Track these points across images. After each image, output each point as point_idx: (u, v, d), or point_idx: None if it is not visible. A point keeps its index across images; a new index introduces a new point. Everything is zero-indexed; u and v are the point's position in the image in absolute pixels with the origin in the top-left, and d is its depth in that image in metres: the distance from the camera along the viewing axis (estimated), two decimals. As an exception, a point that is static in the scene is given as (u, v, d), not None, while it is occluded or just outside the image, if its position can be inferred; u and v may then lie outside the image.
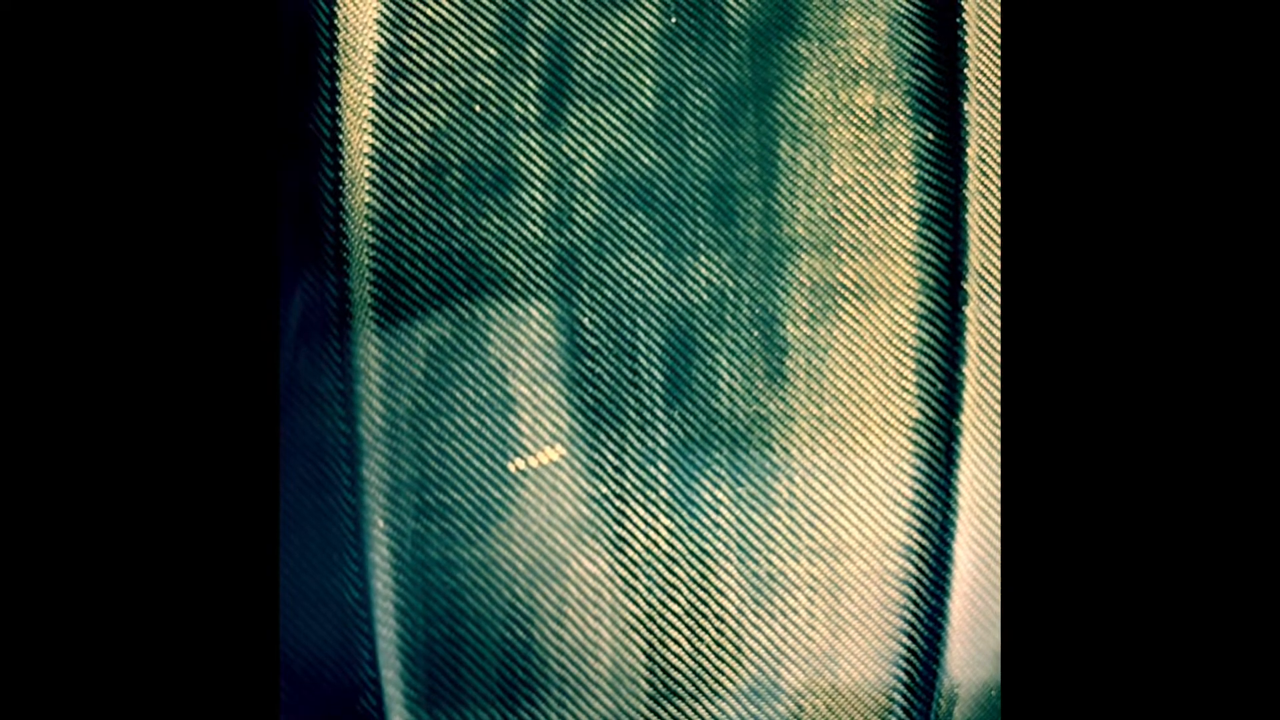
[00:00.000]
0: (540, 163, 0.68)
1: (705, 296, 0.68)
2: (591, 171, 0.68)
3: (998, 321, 0.68)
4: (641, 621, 0.67)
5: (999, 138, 0.69)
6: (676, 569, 0.67)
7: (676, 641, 0.67)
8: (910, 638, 0.68)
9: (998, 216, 0.69)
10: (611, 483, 0.67)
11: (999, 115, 0.69)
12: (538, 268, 0.67)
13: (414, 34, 0.69)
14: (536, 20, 0.69)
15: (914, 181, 0.69)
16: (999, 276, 0.68)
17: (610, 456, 0.67)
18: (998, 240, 0.69)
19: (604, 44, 0.69)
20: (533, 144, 0.68)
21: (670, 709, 0.67)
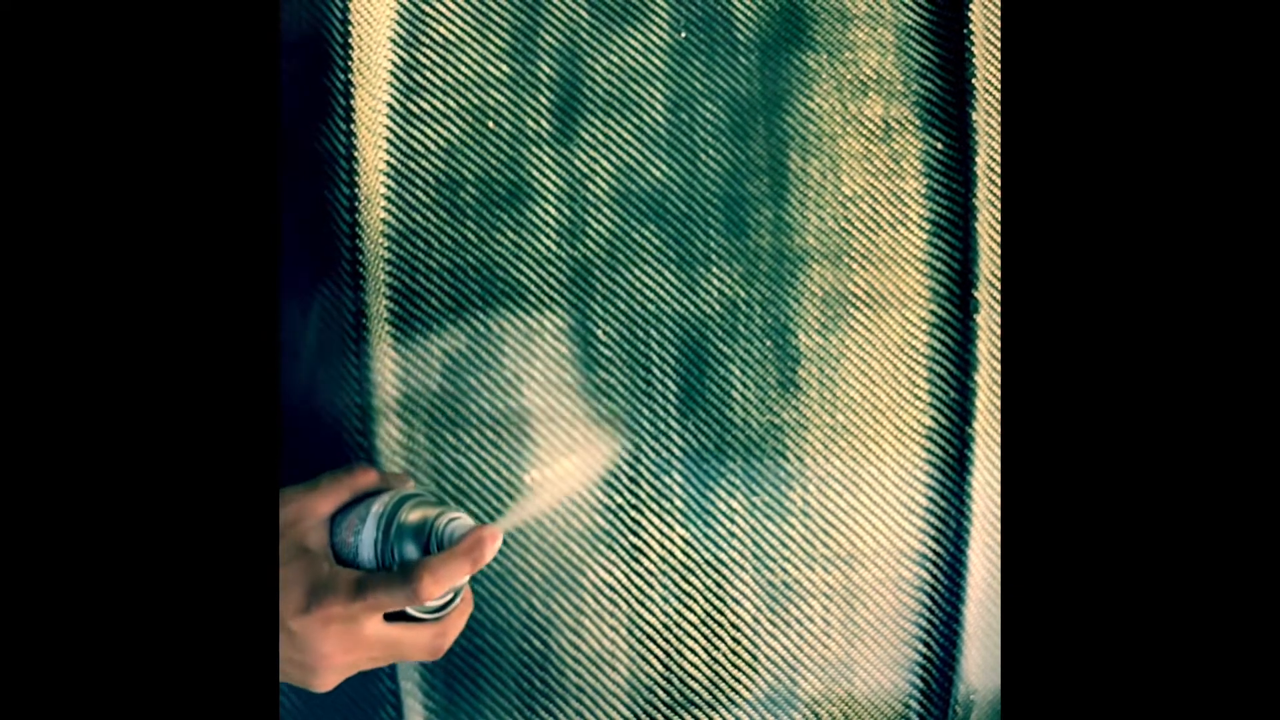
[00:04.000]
0: (553, 177, 0.69)
1: (718, 307, 0.68)
2: (604, 185, 0.69)
3: (1009, 329, 0.69)
4: (658, 631, 0.67)
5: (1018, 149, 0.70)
6: (692, 578, 0.67)
7: (693, 650, 0.67)
8: (926, 645, 0.69)
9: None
10: (627, 493, 0.67)
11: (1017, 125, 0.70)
12: (551, 281, 0.68)
13: (427, 52, 0.70)
14: (548, 36, 0.70)
15: (924, 191, 0.70)
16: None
17: (625, 467, 0.67)
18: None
19: (615, 59, 0.70)
20: (545, 159, 0.69)
21: (687, 718, 0.67)
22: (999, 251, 0.69)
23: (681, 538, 0.67)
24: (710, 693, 0.67)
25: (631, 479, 0.67)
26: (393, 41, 0.70)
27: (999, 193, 0.69)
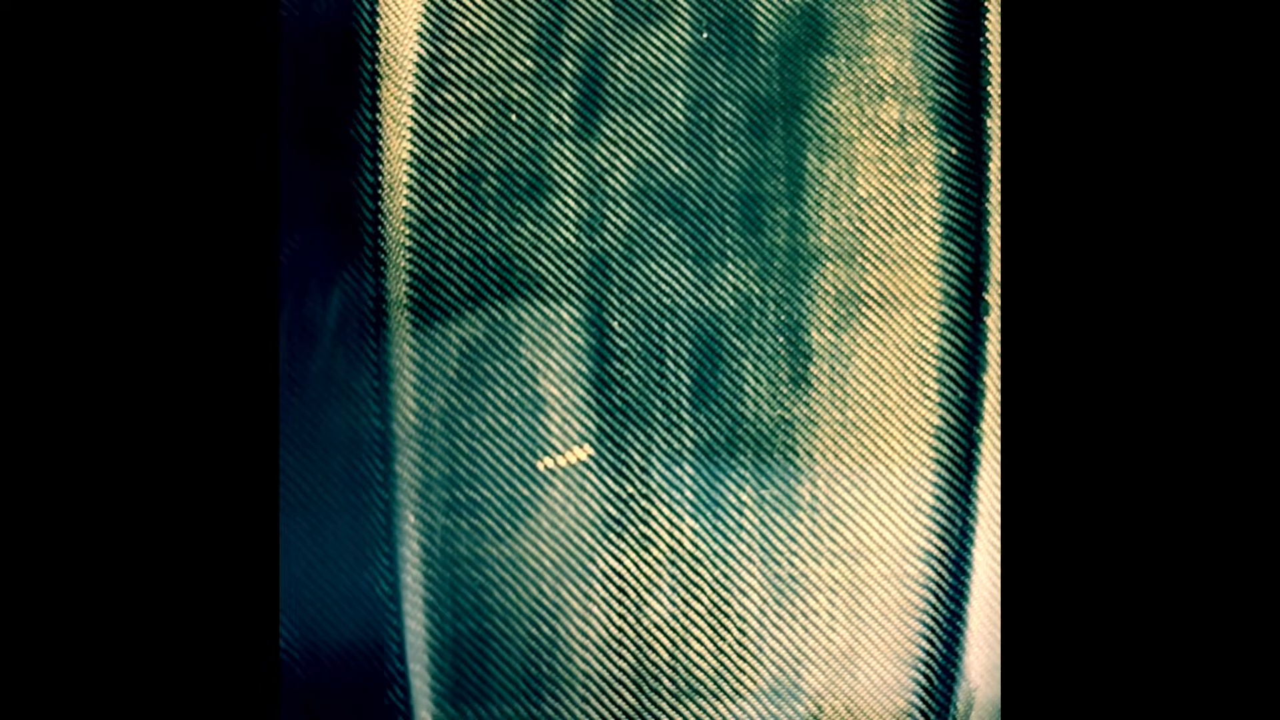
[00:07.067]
0: (573, 171, 0.70)
1: (732, 303, 0.69)
2: (623, 180, 0.70)
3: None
4: (665, 620, 0.68)
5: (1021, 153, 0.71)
6: (700, 569, 0.68)
7: (699, 640, 0.68)
8: (929, 641, 0.69)
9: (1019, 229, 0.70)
10: (638, 483, 0.68)
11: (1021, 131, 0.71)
12: (569, 272, 0.69)
13: (453, 45, 0.71)
14: (572, 34, 0.71)
15: (937, 194, 0.71)
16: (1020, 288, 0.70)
17: (637, 457, 0.68)
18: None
19: (637, 57, 0.71)
20: (566, 152, 0.70)
21: (692, 707, 0.68)
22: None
23: (690, 529, 0.68)
24: (715, 682, 0.68)
25: (643, 469, 0.68)
26: (419, 35, 0.71)
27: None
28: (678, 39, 0.71)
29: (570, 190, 0.70)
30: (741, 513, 0.68)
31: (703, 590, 0.68)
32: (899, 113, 0.72)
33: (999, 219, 0.70)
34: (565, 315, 0.69)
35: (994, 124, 0.71)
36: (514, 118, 0.70)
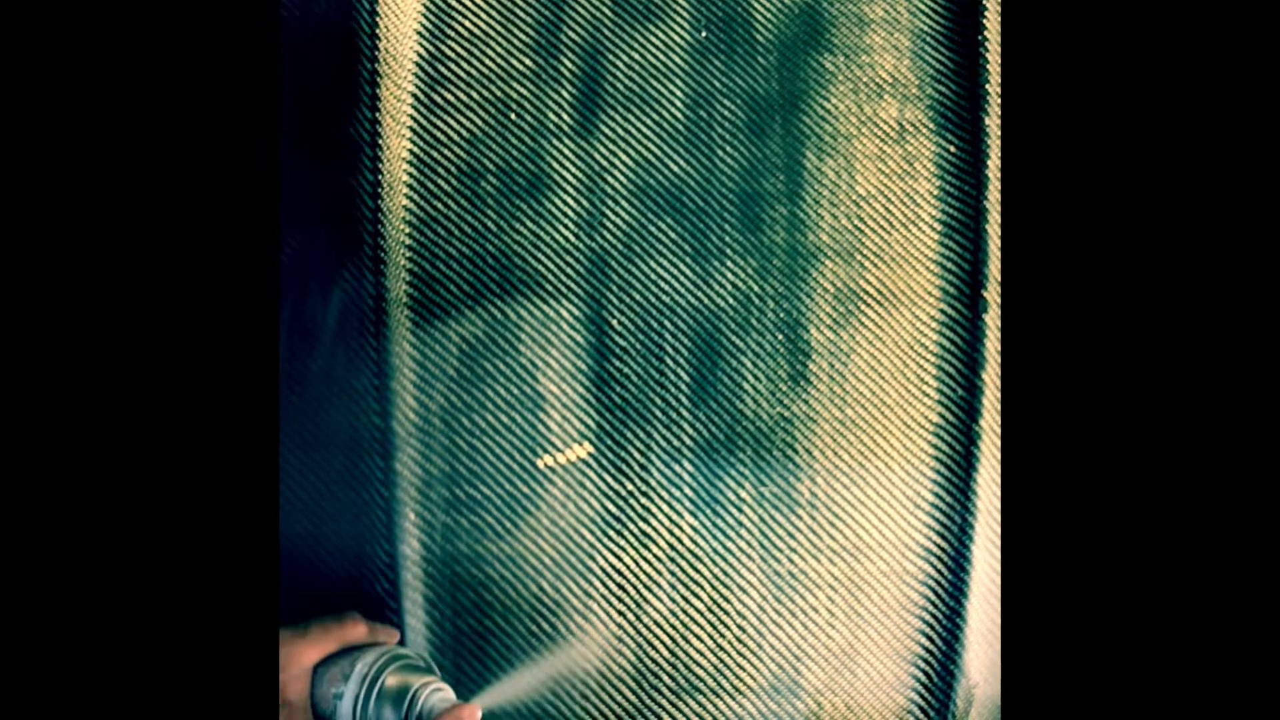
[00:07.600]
0: (573, 169, 0.70)
1: (731, 301, 0.69)
2: (622, 178, 0.70)
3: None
4: (664, 617, 0.68)
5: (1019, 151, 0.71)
6: (700, 566, 0.68)
7: (698, 637, 0.68)
8: (929, 638, 0.69)
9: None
10: (637, 480, 0.68)
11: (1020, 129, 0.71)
12: (569, 270, 0.69)
13: (452, 44, 0.71)
14: (571, 33, 0.71)
15: (936, 192, 0.71)
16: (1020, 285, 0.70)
17: (636, 455, 0.68)
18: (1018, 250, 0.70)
19: (636, 56, 0.71)
20: (565, 151, 0.70)
21: (692, 704, 0.68)
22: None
23: (690, 526, 0.68)
24: (715, 680, 0.68)
25: (642, 466, 0.68)
26: (419, 34, 0.71)
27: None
28: (676, 38, 0.72)
29: (569, 189, 0.70)
30: (741, 510, 0.68)
31: (702, 587, 0.68)
32: (897, 110, 0.72)
33: (998, 216, 0.70)
34: (564, 313, 0.69)
35: (992, 122, 0.71)
36: (513, 116, 0.71)
